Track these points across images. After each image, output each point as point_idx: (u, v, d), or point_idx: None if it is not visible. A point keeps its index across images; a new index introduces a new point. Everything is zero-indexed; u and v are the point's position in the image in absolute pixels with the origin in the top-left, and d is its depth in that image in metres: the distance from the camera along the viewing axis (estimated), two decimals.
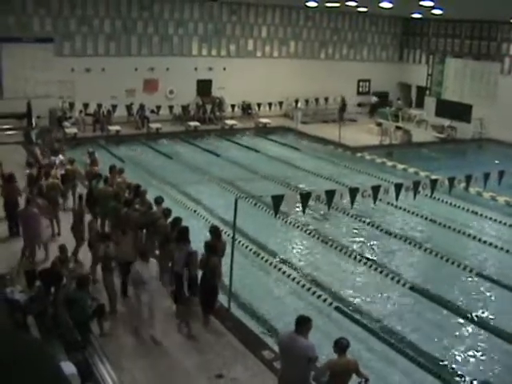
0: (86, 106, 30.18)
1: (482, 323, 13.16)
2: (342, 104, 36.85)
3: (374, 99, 39.52)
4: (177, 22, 33.34)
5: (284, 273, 15.11)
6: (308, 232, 18.19)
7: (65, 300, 10.22)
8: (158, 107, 32.18)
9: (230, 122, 33.20)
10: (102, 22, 31.33)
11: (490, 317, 13.47)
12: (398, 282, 14.93)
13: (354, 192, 12.71)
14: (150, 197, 15.07)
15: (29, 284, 11.08)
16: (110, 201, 15.06)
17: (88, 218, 16.54)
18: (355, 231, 18.58)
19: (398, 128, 32.12)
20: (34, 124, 27.34)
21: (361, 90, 40.25)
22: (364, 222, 19.20)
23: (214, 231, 12.60)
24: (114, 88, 30.83)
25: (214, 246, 11.90)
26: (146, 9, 32.34)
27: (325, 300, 13.68)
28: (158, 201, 14.47)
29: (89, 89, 29.86)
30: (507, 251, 17.15)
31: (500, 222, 19.88)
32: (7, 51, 28.67)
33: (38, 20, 29.59)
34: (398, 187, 13.37)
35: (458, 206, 20.76)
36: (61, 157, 19.92)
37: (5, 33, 28.55)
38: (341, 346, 8.23)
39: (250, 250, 16.27)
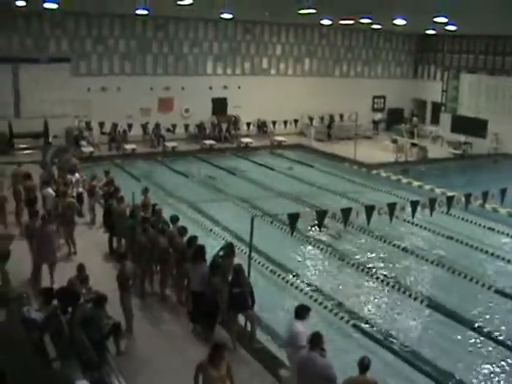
0: (101, 124, 30.45)
1: (500, 340, 13.02)
2: (330, 121, 36.85)
3: (379, 117, 39.42)
4: (191, 42, 33.61)
5: (301, 290, 15.07)
6: (324, 250, 18.13)
7: (82, 319, 10.21)
8: (174, 126, 32.38)
9: (245, 140, 33.30)
10: (116, 42, 31.67)
11: (509, 333, 13.33)
12: (416, 299, 14.84)
13: (369, 210, 12.67)
14: (166, 215, 15.12)
15: (46, 302, 11.08)
16: (127, 219, 15.16)
17: (104, 236, 16.73)
18: (372, 249, 18.45)
19: (413, 145, 32.02)
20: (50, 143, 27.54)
21: (376, 106, 40.28)
22: (380, 239, 19.10)
23: (228, 249, 12.56)
24: (129, 107, 31.10)
25: (217, 266, 11.90)
26: (160, 28, 32.64)
27: (342, 318, 13.63)
28: (174, 219, 14.51)
29: (104, 108, 30.11)
30: None
31: None
32: (24, 71, 29.03)
33: (54, 40, 29.98)
34: (414, 204, 13.33)
35: (475, 223, 20.61)
36: (77, 175, 19.99)
37: (22, 53, 28.95)
38: (361, 364, 8.17)
39: (267, 268, 16.24)
